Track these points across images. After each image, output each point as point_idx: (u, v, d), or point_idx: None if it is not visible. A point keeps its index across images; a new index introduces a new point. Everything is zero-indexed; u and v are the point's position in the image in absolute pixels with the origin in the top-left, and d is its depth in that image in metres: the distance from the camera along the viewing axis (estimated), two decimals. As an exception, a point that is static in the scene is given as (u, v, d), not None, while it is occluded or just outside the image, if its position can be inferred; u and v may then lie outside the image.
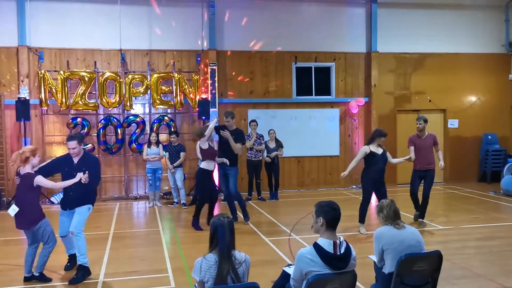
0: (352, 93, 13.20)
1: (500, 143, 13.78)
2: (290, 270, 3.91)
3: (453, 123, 13.69)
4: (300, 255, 3.51)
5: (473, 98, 13.96)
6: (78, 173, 5.59)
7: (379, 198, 7.70)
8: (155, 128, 11.64)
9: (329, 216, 3.53)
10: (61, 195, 11.21)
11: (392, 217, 4.24)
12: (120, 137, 11.61)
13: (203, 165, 8.29)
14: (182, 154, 10.69)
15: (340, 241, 3.52)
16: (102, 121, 11.51)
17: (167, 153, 10.71)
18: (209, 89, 11.99)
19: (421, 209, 8.45)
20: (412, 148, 8.36)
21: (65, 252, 6.20)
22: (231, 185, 8.66)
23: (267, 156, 11.31)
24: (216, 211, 8.61)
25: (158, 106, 11.75)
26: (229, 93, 12.46)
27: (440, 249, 4.24)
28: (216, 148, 8.53)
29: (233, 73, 12.47)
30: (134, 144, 11.62)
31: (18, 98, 10.74)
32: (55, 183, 6.03)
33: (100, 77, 11.30)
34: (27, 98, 10.94)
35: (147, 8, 11.93)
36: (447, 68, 13.61)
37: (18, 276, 5.73)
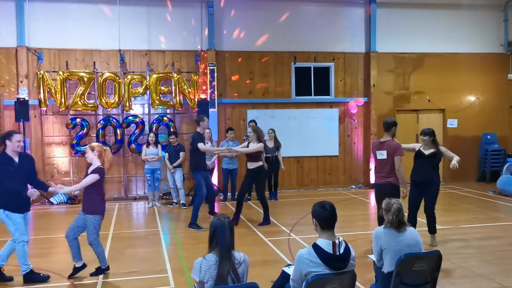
0: (351, 93, 13.20)
1: (499, 143, 13.79)
2: (289, 270, 3.90)
3: (452, 123, 13.72)
4: (299, 256, 3.52)
5: (472, 98, 13.96)
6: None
7: None
8: (154, 128, 11.64)
9: (320, 216, 3.54)
10: (61, 196, 11.23)
11: (396, 225, 4.14)
12: (119, 137, 11.60)
13: (257, 165, 8.59)
14: (181, 154, 10.68)
15: (339, 241, 3.52)
16: (101, 121, 11.51)
17: (167, 154, 10.71)
18: (208, 89, 11.99)
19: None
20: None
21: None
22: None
23: (266, 156, 11.28)
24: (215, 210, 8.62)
25: (157, 107, 11.75)
26: (228, 93, 12.48)
27: (439, 249, 4.25)
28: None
29: (232, 76, 12.49)
30: (133, 144, 11.62)
31: (17, 98, 10.74)
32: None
33: (99, 78, 11.30)
34: (26, 98, 10.93)
35: (146, 9, 11.92)
36: (446, 68, 13.61)
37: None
